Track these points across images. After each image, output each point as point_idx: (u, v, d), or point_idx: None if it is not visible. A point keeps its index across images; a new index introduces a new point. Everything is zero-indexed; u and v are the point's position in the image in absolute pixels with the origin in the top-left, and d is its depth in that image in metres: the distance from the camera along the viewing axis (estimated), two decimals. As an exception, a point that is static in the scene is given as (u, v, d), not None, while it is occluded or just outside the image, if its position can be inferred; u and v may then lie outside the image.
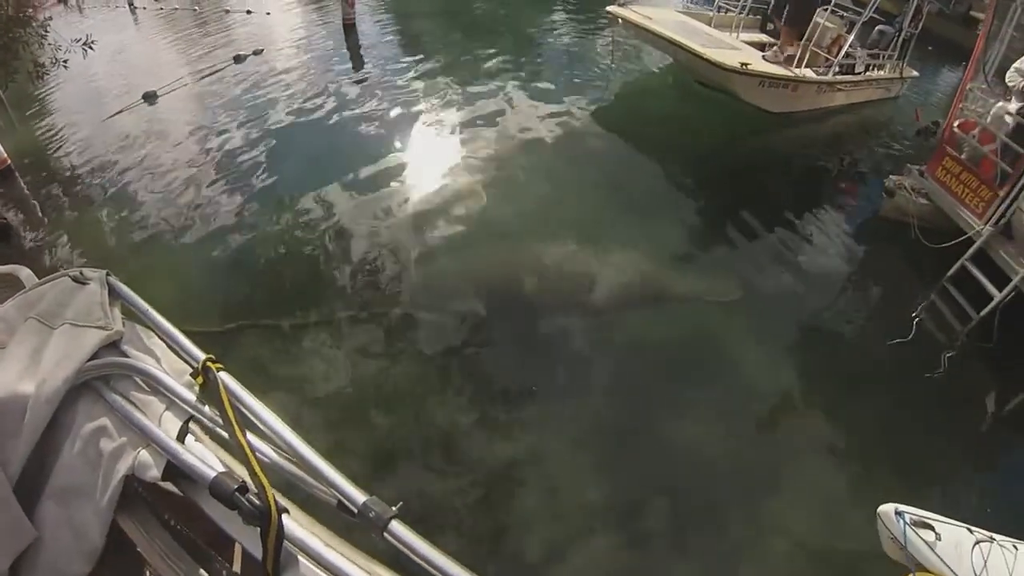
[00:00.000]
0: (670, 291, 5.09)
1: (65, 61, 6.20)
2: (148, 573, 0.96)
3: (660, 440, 3.84)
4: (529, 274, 5.01)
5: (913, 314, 5.07)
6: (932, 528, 2.66)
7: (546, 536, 3.26)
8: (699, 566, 3.23)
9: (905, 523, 2.65)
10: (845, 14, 8.78)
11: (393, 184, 6.20)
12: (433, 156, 6.77)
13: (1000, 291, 4.78)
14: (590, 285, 4.97)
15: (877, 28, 9.10)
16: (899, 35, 8.92)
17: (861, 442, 3.95)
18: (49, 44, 6.06)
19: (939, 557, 2.58)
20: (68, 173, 6.60)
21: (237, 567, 0.94)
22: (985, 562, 2.58)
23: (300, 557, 0.80)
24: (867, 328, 5.19)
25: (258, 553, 0.79)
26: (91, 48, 6.47)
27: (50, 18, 6.36)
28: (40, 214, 5.90)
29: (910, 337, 4.87)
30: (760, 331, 4.77)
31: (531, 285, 4.91)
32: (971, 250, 5.14)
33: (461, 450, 3.70)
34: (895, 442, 3.96)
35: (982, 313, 4.87)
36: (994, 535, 2.69)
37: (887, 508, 2.75)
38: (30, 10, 5.89)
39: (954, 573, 2.54)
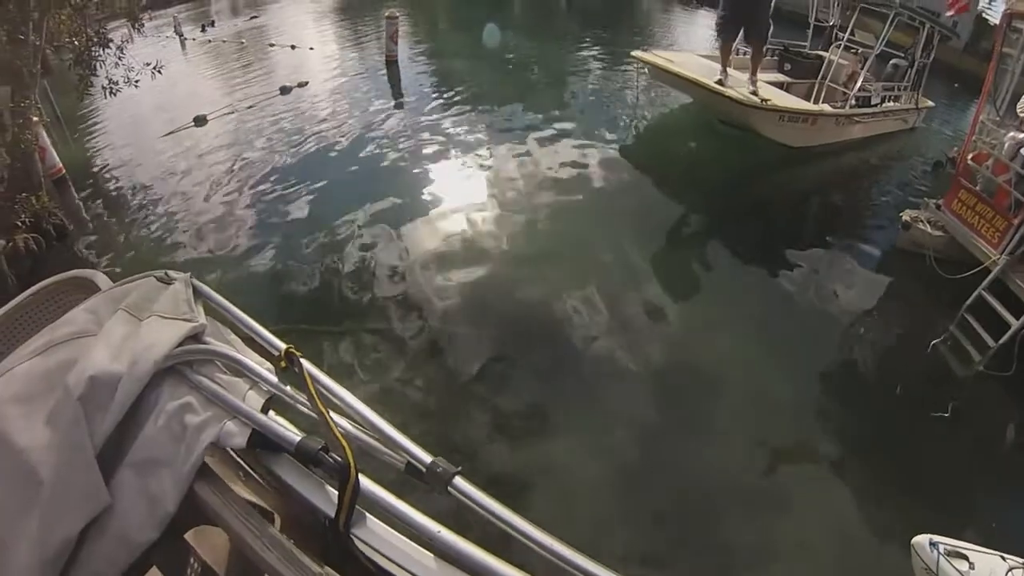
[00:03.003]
0: (691, 320, 5.23)
1: (137, 81, 6.58)
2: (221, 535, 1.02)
3: (679, 464, 3.90)
4: (552, 302, 5.20)
5: (932, 343, 5.10)
6: (966, 558, 2.69)
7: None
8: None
9: (939, 553, 2.69)
10: (858, 50, 9.00)
11: (425, 214, 6.43)
12: (464, 190, 7.01)
13: (1018, 319, 4.80)
14: (612, 313, 5.13)
15: (891, 62, 9.31)
16: (912, 66, 9.09)
17: (880, 470, 3.98)
18: (122, 64, 6.48)
19: (972, 586, 2.59)
20: (120, 185, 7.02)
21: (311, 527, 0.98)
22: (1019, 589, 2.56)
23: (369, 514, 0.88)
24: (885, 358, 5.23)
25: (331, 511, 0.87)
26: (160, 72, 6.86)
27: (127, 40, 6.77)
28: (90, 222, 6.29)
29: (929, 366, 4.91)
30: (779, 361, 4.85)
31: (555, 312, 5.10)
32: (988, 279, 5.19)
33: (484, 459, 3.83)
34: (914, 470, 3.97)
35: (1001, 341, 4.88)
36: None
37: (922, 539, 2.79)
38: (107, 32, 6.41)
39: None
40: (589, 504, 3.60)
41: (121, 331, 1.10)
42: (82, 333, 1.14)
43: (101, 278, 1.45)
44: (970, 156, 5.91)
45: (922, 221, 6.18)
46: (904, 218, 6.28)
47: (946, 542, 2.72)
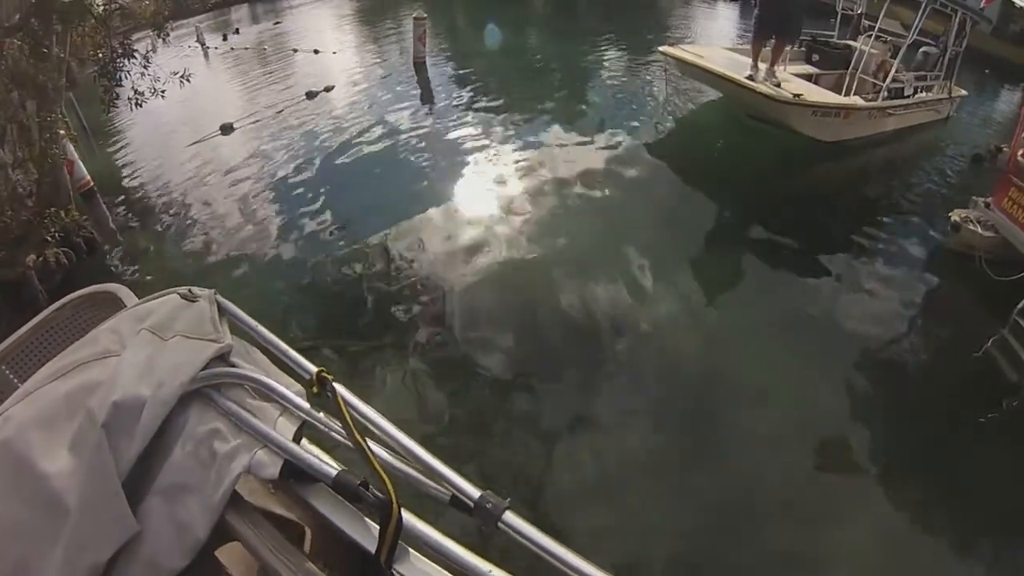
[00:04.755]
0: (723, 323, 5.07)
1: (163, 92, 6.49)
2: (252, 565, 0.98)
3: (717, 473, 3.78)
4: (580, 304, 5.08)
5: (981, 348, 4.87)
6: None
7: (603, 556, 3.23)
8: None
9: None
10: (889, 38, 8.70)
11: (459, 222, 6.31)
12: (496, 196, 6.85)
13: (1076, 323, 4.54)
14: (642, 316, 5.01)
15: (921, 50, 9.02)
16: (944, 54, 8.78)
17: (928, 482, 3.80)
18: (148, 75, 6.43)
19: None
20: (149, 197, 7.04)
21: (346, 560, 0.95)
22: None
23: (411, 550, 0.84)
24: (933, 362, 5.01)
25: (370, 545, 0.84)
26: (188, 80, 6.75)
27: (153, 50, 6.74)
28: (120, 234, 6.31)
29: (979, 372, 4.68)
30: (819, 366, 4.66)
31: (583, 314, 4.98)
32: (1042, 282, 4.93)
33: (520, 463, 3.79)
34: (964, 481, 3.77)
35: (1056, 346, 4.63)
36: None
37: None
38: (132, 43, 6.38)
39: None
40: (628, 512, 3.50)
41: (145, 352, 1.07)
42: (105, 354, 1.11)
43: (124, 292, 1.44)
44: (1020, 152, 5.62)
45: (972, 221, 5.88)
46: (953, 218, 5.98)
47: None
